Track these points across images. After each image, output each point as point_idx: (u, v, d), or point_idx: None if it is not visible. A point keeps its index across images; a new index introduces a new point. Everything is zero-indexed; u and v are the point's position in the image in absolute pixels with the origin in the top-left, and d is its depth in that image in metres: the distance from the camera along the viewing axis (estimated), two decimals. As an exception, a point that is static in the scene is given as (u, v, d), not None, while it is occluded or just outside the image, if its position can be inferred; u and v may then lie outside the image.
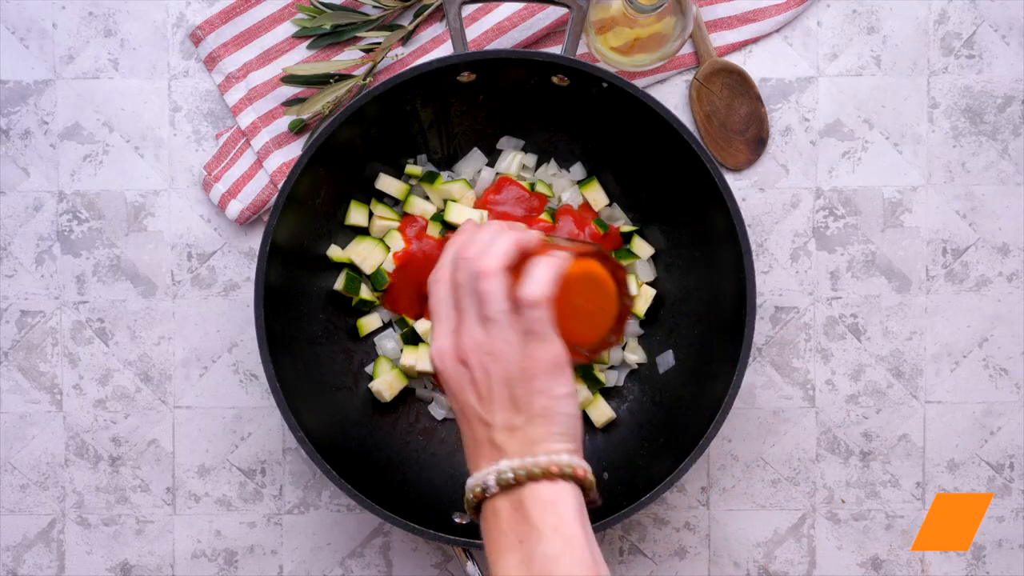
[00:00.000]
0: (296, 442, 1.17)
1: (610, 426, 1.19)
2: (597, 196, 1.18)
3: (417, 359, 1.16)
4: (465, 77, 1.11)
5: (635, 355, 1.19)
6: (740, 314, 1.07)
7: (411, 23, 1.19)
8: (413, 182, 1.19)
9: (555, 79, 1.10)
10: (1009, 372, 1.22)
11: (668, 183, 1.15)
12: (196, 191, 1.21)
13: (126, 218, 1.21)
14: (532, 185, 1.18)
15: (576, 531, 0.78)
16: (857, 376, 1.22)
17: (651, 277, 1.19)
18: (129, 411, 1.22)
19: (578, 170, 1.20)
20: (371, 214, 1.18)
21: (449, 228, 1.16)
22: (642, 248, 1.18)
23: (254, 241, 1.21)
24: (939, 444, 1.22)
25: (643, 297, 1.18)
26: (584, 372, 1.17)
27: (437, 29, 1.20)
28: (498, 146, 1.19)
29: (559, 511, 0.78)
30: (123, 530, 1.22)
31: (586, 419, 1.20)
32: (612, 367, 1.20)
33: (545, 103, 1.15)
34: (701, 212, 1.12)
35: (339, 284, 1.17)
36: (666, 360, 1.18)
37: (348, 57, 1.19)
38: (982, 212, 1.22)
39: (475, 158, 1.19)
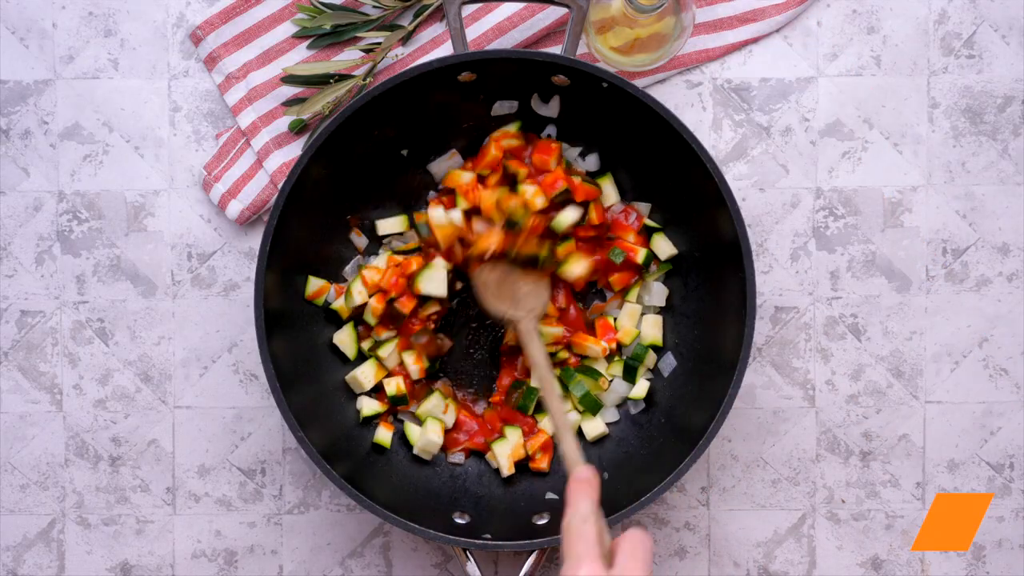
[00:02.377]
0: (296, 442, 1.17)
1: (610, 426, 1.19)
2: (609, 191, 1.18)
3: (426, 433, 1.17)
4: (465, 77, 1.11)
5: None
6: (740, 314, 1.07)
7: (411, 23, 1.19)
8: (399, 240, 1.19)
9: (555, 79, 1.10)
10: (1009, 372, 1.22)
11: (668, 183, 1.15)
12: (196, 191, 1.21)
13: (126, 218, 1.21)
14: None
15: None
16: (857, 376, 1.22)
17: (662, 302, 1.19)
18: (129, 411, 1.22)
19: (593, 161, 1.19)
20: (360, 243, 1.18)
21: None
22: (662, 247, 1.18)
23: (254, 241, 1.21)
24: (939, 444, 1.22)
25: (653, 326, 1.18)
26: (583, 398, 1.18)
27: (437, 29, 1.20)
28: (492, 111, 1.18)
29: None
30: (123, 530, 1.22)
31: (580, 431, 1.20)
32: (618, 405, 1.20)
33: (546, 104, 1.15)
34: (701, 212, 1.12)
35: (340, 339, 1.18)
36: (667, 362, 1.18)
37: (348, 57, 1.19)
38: (982, 212, 1.22)
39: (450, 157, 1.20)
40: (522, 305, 1.12)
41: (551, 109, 1.16)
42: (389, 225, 1.18)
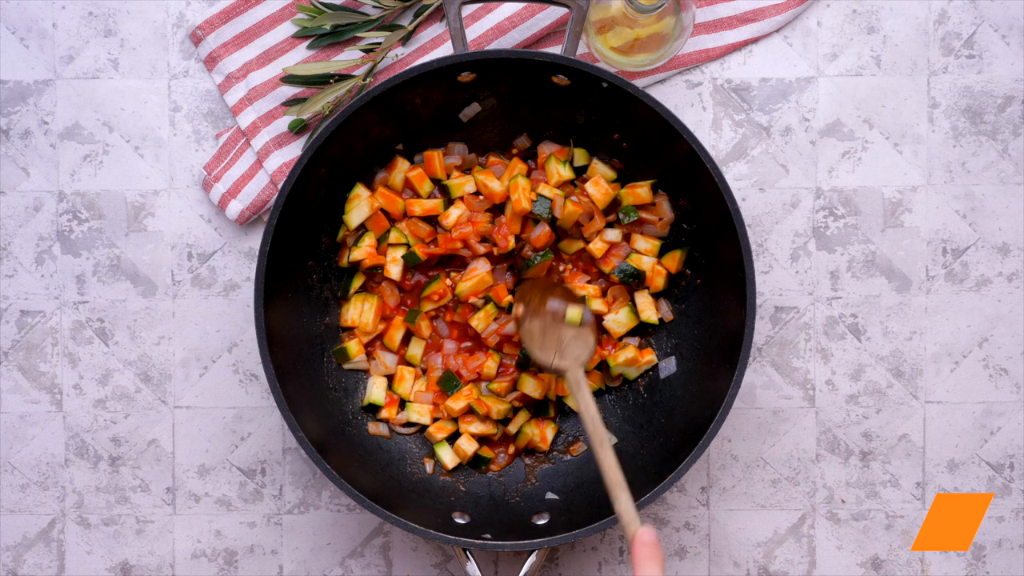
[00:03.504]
0: (296, 442, 1.17)
1: (610, 426, 1.19)
2: (605, 171, 1.18)
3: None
4: (465, 77, 1.11)
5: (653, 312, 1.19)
6: (740, 314, 1.07)
7: (411, 23, 1.19)
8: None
9: (555, 79, 1.11)
10: (1009, 372, 1.22)
11: (668, 183, 1.15)
12: (196, 191, 1.21)
13: (126, 218, 1.21)
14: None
15: None
16: (857, 376, 1.22)
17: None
18: (129, 411, 1.22)
19: (580, 157, 1.19)
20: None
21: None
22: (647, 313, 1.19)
23: (254, 241, 1.21)
24: (939, 444, 1.22)
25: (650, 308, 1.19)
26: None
27: (437, 29, 1.20)
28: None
29: None
30: (123, 530, 1.22)
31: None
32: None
33: (546, 103, 1.15)
34: (701, 212, 1.12)
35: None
36: (668, 367, 1.18)
37: (348, 57, 1.19)
38: (982, 212, 1.22)
39: None
40: (567, 354, 1.11)
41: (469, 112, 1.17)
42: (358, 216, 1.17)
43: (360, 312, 1.17)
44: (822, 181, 1.21)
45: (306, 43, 1.20)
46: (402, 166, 1.17)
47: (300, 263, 1.15)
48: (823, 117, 1.21)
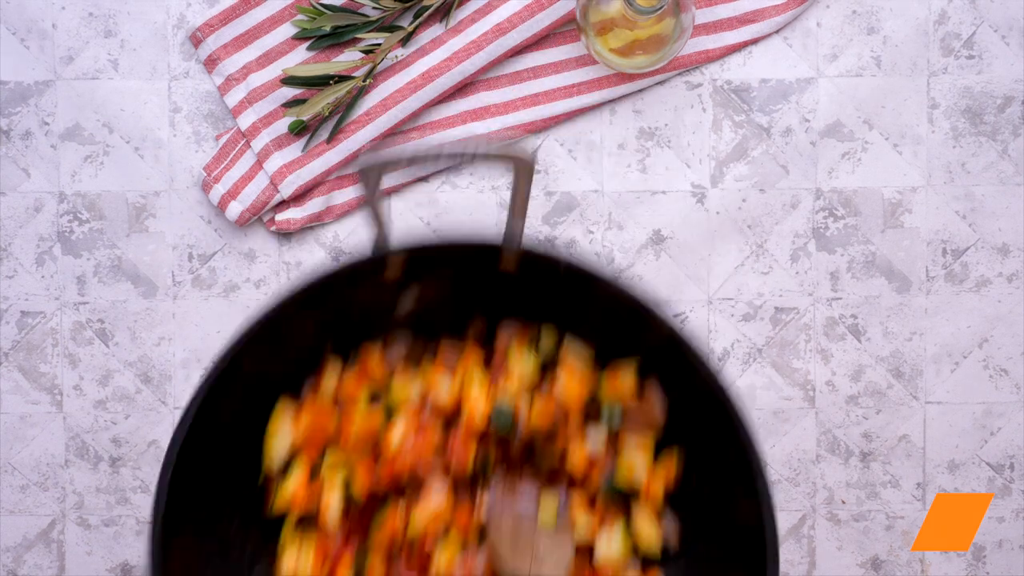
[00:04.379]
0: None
1: None
2: (579, 352, 0.99)
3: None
4: (392, 275, 0.92)
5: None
6: (758, 522, 0.88)
7: (411, 24, 1.19)
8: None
9: (501, 266, 0.92)
10: (1009, 372, 1.22)
11: (654, 362, 0.98)
12: (196, 192, 1.22)
13: (127, 219, 1.22)
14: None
15: None
16: (857, 377, 1.22)
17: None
18: (129, 412, 1.22)
19: (547, 337, 1.00)
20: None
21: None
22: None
23: (254, 242, 1.21)
24: (939, 444, 1.22)
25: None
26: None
27: (437, 30, 1.20)
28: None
29: None
30: (123, 531, 1.22)
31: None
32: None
33: (499, 285, 0.95)
34: (692, 406, 0.94)
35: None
36: None
37: (348, 58, 1.19)
38: (982, 212, 1.22)
39: None
40: (547, 563, 0.93)
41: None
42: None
43: (297, 561, 0.96)
44: (822, 182, 1.21)
45: (306, 44, 1.20)
46: (334, 370, 0.98)
47: (215, 513, 0.95)
48: (823, 118, 1.21)
